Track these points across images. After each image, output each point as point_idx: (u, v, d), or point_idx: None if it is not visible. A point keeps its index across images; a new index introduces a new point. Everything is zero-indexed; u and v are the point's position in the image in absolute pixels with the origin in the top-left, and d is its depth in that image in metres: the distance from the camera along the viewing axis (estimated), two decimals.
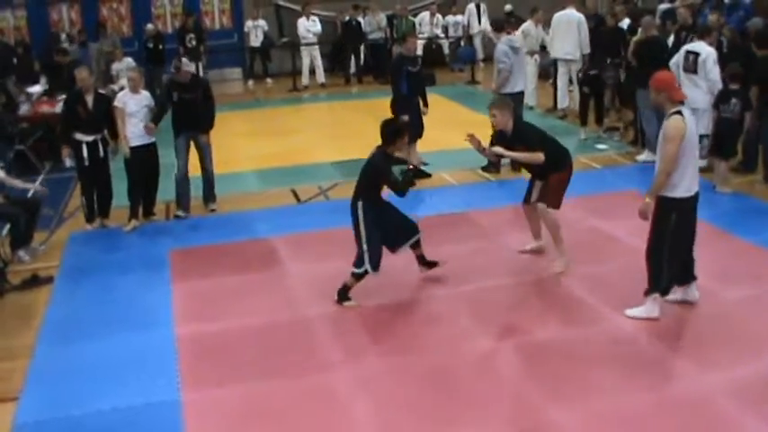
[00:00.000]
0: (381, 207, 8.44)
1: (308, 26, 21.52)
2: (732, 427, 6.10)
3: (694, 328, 7.66)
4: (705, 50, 11.91)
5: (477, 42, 23.35)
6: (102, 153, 10.74)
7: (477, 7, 23.53)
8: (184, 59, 11.35)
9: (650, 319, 7.58)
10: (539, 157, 8.64)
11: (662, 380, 6.73)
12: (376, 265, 8.17)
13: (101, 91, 11.45)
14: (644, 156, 13.12)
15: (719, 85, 11.71)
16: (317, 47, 21.60)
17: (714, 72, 11.74)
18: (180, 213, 11.26)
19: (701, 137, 11.92)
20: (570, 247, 8.91)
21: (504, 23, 13.54)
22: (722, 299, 8.11)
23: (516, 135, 8.80)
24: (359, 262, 8.21)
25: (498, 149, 8.83)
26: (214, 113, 11.30)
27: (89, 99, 10.62)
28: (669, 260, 7.50)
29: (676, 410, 6.26)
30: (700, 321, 7.77)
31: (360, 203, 8.28)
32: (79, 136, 10.61)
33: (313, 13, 21.75)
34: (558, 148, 8.99)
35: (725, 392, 6.48)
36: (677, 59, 12.33)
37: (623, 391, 6.57)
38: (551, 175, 8.82)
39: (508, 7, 22.21)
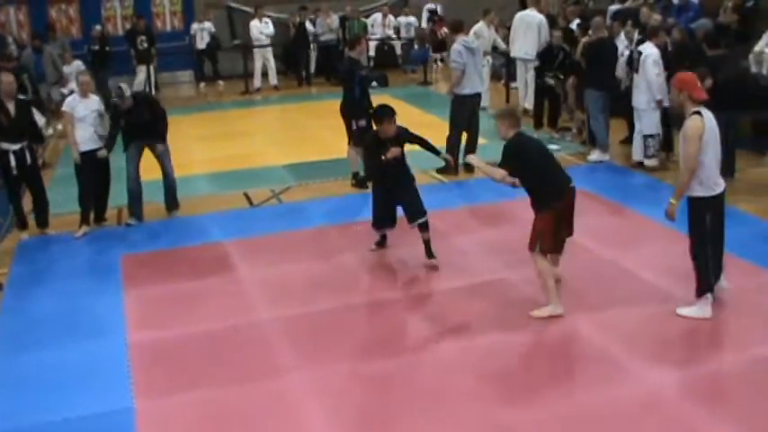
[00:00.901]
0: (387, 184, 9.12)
1: (261, 28, 21.42)
2: (684, 424, 6.16)
3: (648, 328, 7.72)
4: (647, 50, 12.07)
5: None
6: (29, 160, 10.51)
7: (435, 8, 23.63)
8: (123, 86, 10.94)
9: (703, 319, 7.61)
10: (495, 173, 7.82)
11: (615, 379, 6.76)
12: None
13: (21, 97, 11.25)
14: (594, 156, 13.24)
15: (656, 86, 11.85)
16: (269, 49, 21.51)
17: (651, 72, 11.89)
18: (131, 221, 11.12)
19: (648, 137, 12.14)
20: (522, 249, 8.95)
21: (462, 24, 13.49)
22: (676, 298, 8.20)
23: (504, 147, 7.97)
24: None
25: (471, 158, 8.84)
26: (166, 126, 11.14)
27: (10, 106, 10.33)
28: (713, 258, 7.60)
29: (629, 409, 6.31)
30: (651, 320, 7.84)
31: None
32: (5, 145, 10.31)
33: (266, 15, 21.66)
34: (545, 177, 7.82)
35: (678, 390, 6.56)
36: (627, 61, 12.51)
37: (576, 392, 6.64)
38: (537, 213, 7.85)
39: (430, 6, 22.32)
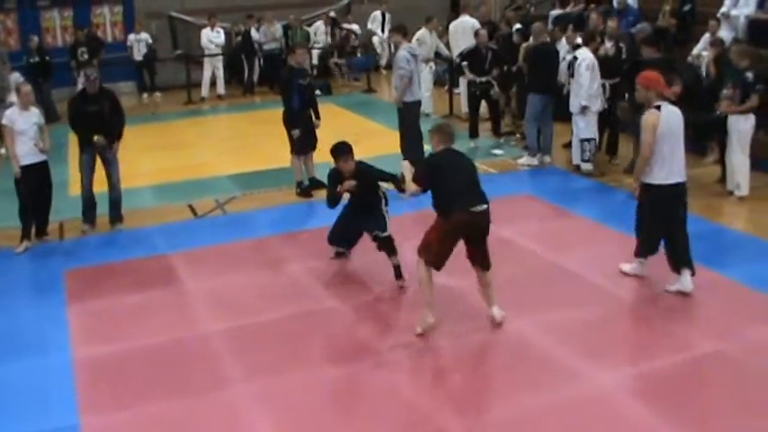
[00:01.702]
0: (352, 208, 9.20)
1: (212, 37, 21.30)
2: (630, 423, 6.24)
3: (592, 329, 7.80)
4: (581, 55, 12.23)
5: (383, 49, 23.51)
6: None
7: (383, 15, 23.69)
8: (93, 70, 11.09)
9: (637, 276, 8.62)
10: (409, 185, 8.37)
11: (561, 381, 6.83)
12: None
13: None
14: (524, 159, 13.38)
15: (585, 91, 12.01)
16: (220, 58, 21.40)
17: (584, 77, 12.07)
18: (85, 228, 11.06)
19: (585, 141, 12.30)
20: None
21: (406, 30, 13.50)
22: (619, 298, 8.31)
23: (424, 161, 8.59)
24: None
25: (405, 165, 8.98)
26: (123, 123, 11.15)
27: None
28: (649, 234, 8.46)
29: (576, 410, 6.39)
30: (595, 322, 7.93)
31: None
32: None
33: (218, 25, 21.52)
34: (450, 196, 7.61)
35: (624, 390, 6.65)
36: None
37: (523, 395, 6.68)
38: (435, 221, 7.81)
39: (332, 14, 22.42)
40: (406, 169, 8.67)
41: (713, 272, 8.76)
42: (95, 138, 10.61)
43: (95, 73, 11.11)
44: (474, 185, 7.72)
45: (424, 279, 7.68)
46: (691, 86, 11.21)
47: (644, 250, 8.63)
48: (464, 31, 16.28)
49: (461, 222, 7.55)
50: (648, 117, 8.10)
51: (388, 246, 8.85)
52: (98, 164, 11.02)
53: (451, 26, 16.91)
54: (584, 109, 12.21)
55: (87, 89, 10.95)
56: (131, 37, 21.79)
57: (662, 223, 8.38)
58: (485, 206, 7.59)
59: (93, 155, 10.89)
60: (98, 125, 10.74)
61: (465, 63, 14.75)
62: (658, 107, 8.10)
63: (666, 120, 8.06)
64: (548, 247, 9.65)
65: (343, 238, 9.38)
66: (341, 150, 8.97)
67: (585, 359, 7.15)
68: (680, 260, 8.36)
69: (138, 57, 21.81)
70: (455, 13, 19.78)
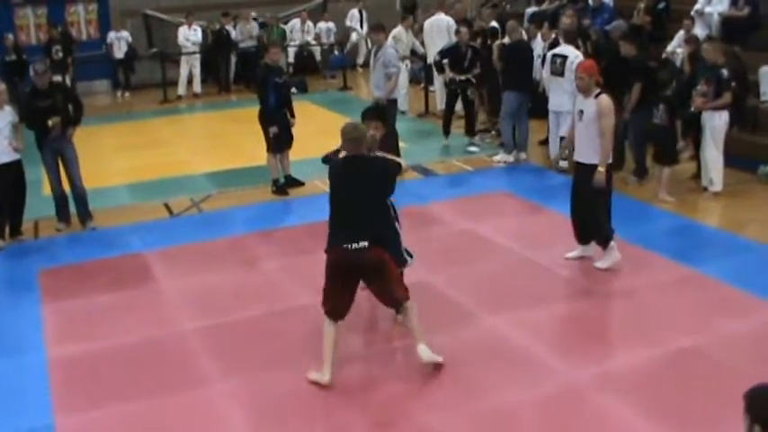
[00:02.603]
0: None
1: (188, 35, 21.25)
2: (606, 419, 6.27)
3: (567, 325, 7.84)
4: (572, 53, 12.23)
5: (359, 46, 23.55)
6: None
7: (360, 13, 23.71)
8: (43, 64, 11.06)
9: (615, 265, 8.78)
10: None
11: (536, 377, 6.84)
12: None
13: None
14: (499, 156, 13.42)
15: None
16: (196, 56, 21.36)
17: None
18: (60, 227, 11.04)
19: (564, 138, 12.31)
20: (442, 250, 9.03)
21: (384, 28, 13.48)
22: (594, 293, 8.36)
23: None
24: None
25: None
26: (81, 112, 11.10)
27: None
28: (603, 216, 8.84)
29: (551, 406, 6.41)
30: (570, 317, 7.97)
31: None
32: None
33: (195, 23, 21.46)
34: (332, 220, 6.81)
35: (599, 385, 6.68)
36: (546, 63, 12.66)
37: (498, 391, 6.69)
38: None
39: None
40: None
41: (687, 267, 8.82)
42: (49, 121, 10.53)
43: (44, 66, 11.06)
44: (360, 214, 6.59)
45: (324, 331, 6.86)
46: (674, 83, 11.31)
47: (605, 234, 8.82)
48: (439, 29, 16.31)
49: (334, 263, 6.67)
50: (609, 102, 8.59)
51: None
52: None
53: (426, 24, 16.90)
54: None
55: (37, 84, 10.86)
56: (111, 35, 21.73)
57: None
58: (364, 243, 6.49)
59: (54, 153, 10.84)
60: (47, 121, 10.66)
61: (446, 61, 14.73)
62: (599, 93, 8.59)
63: None
64: (524, 244, 9.68)
65: None
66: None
67: (561, 355, 7.18)
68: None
69: (119, 55, 21.74)
70: (411, 14, 19.87)
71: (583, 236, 9.04)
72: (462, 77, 14.39)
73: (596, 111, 8.52)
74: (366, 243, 6.49)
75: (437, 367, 6.93)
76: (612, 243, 8.80)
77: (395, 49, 12.79)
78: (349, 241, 6.50)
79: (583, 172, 8.74)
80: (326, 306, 6.78)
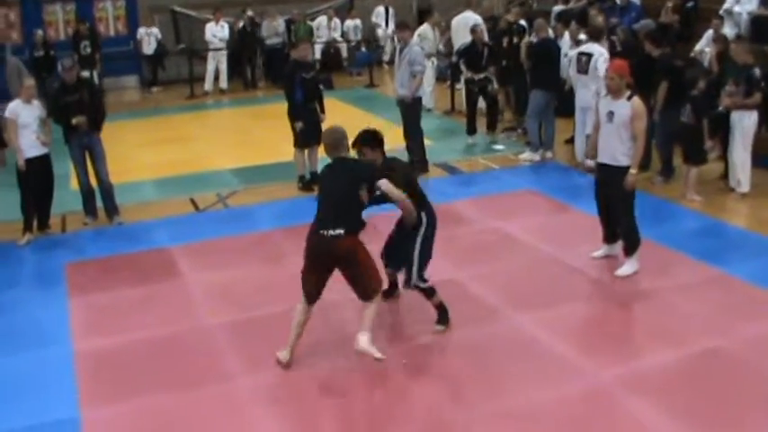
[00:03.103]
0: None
1: (216, 31, 21.32)
2: (630, 419, 6.24)
3: (592, 324, 7.82)
4: (597, 51, 12.17)
5: (387, 45, 23.55)
6: None
7: (386, 10, 23.71)
8: (70, 59, 11.19)
9: (636, 272, 8.66)
10: None
11: (560, 376, 6.83)
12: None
13: None
14: (525, 155, 13.39)
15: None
16: (223, 52, 21.42)
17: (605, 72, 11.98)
18: (87, 221, 11.13)
19: (589, 137, 12.25)
20: (468, 248, 9.02)
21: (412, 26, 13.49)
22: (619, 293, 8.32)
23: None
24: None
25: None
26: (104, 113, 11.17)
27: None
28: (633, 217, 8.70)
29: (575, 405, 6.39)
30: (595, 317, 7.94)
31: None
32: None
33: (223, 18, 21.53)
34: (318, 209, 7.19)
35: (623, 385, 6.64)
36: (572, 62, 12.61)
37: (522, 389, 6.67)
38: None
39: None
40: None
41: (714, 268, 8.76)
42: (74, 120, 10.61)
43: (71, 62, 11.17)
44: (337, 206, 6.93)
45: (296, 309, 7.22)
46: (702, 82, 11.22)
47: (635, 241, 8.69)
48: (465, 26, 16.25)
49: (309, 246, 7.01)
50: (642, 105, 8.49)
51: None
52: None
53: (454, 21, 16.90)
54: None
55: (65, 79, 10.95)
56: (141, 31, 21.85)
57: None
58: (339, 231, 6.81)
59: (81, 148, 10.92)
60: (80, 114, 10.74)
61: (462, 60, 14.72)
62: (631, 95, 8.45)
63: None
64: (550, 243, 9.65)
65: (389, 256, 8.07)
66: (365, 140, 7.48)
67: (586, 354, 7.16)
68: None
69: (148, 51, 21.86)
70: (420, 22, 19.76)
71: (610, 236, 8.97)
72: (480, 76, 14.41)
73: (630, 113, 8.37)
74: (342, 231, 6.83)
75: (464, 363, 6.94)
76: (637, 253, 8.69)
77: (421, 47, 12.76)
78: (327, 228, 6.86)
79: (610, 174, 8.57)
80: (304, 288, 7.13)
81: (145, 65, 22.53)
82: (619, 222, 8.78)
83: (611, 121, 8.50)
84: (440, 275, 7.81)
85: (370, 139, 7.41)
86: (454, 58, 14.91)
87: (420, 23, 18.41)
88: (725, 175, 11.52)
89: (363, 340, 6.92)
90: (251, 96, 21.29)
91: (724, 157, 11.57)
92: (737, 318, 7.68)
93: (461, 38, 16.27)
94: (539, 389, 6.64)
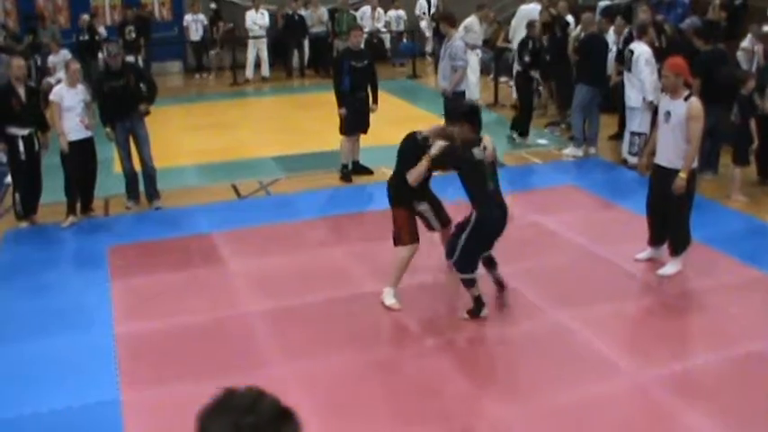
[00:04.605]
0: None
1: (256, 19, 21.37)
2: (671, 419, 6.18)
3: (634, 323, 7.75)
4: (638, 49, 12.06)
5: (429, 36, 23.48)
6: (36, 147, 10.54)
7: (428, 1, 23.63)
8: (116, 45, 11.31)
9: (680, 272, 8.53)
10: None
11: (600, 374, 6.78)
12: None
13: (30, 84, 11.27)
14: (569, 150, 13.29)
15: (648, 85, 11.83)
16: (264, 40, 21.46)
17: (645, 72, 11.87)
18: (129, 205, 11.23)
19: (635, 134, 12.17)
20: (511, 243, 8.93)
21: (455, 19, 13.38)
22: (663, 292, 8.25)
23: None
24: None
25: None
26: (155, 90, 11.30)
27: (21, 92, 10.37)
28: (686, 222, 8.56)
29: (617, 404, 6.35)
30: (637, 316, 7.88)
31: None
32: (14, 130, 10.35)
33: (262, 6, 21.57)
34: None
35: (664, 386, 6.58)
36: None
37: (562, 387, 6.63)
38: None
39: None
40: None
41: (759, 270, 8.64)
42: (141, 106, 10.86)
43: (116, 49, 11.28)
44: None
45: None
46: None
47: (685, 242, 8.57)
48: (529, 18, 16.01)
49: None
50: (699, 106, 8.19)
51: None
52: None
53: (519, 10, 16.81)
54: (649, 104, 11.98)
55: (110, 65, 11.10)
56: (188, 17, 21.96)
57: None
58: None
59: (126, 132, 11.00)
60: (124, 99, 10.84)
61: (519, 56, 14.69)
62: (689, 95, 8.22)
63: None
64: (592, 239, 9.57)
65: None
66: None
67: (626, 353, 7.10)
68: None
69: (195, 37, 21.99)
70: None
71: (657, 239, 8.80)
72: (535, 74, 14.41)
73: (686, 113, 8.14)
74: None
75: (503, 359, 6.91)
76: (684, 254, 8.58)
77: (464, 41, 12.67)
78: None
79: (665, 176, 8.35)
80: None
81: (191, 51, 22.64)
82: (670, 223, 8.59)
83: (667, 122, 8.30)
84: (480, 269, 7.77)
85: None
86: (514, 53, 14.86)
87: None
88: (763, 177, 11.35)
89: (388, 295, 7.99)
90: (293, 84, 21.34)
91: (759, 158, 11.38)
92: None
93: (521, 30, 16.10)
94: (579, 387, 6.59)
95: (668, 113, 8.28)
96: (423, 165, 7.64)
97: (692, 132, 8.14)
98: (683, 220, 8.48)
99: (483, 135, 7.61)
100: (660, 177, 8.48)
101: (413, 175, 7.70)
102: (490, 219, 7.55)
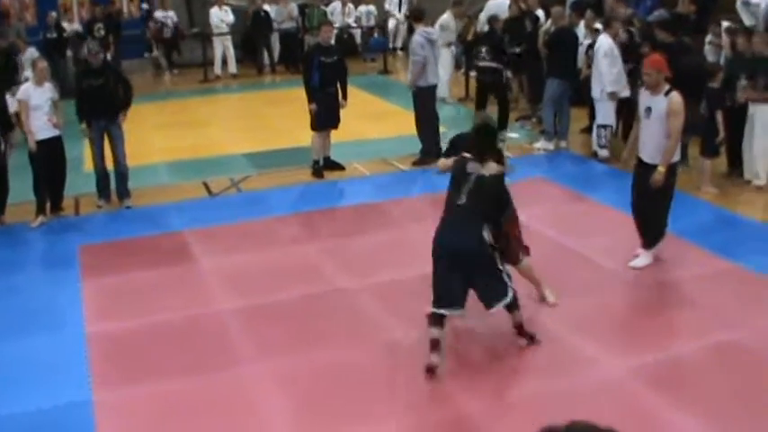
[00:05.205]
0: None
1: (221, 16, 21.27)
2: (642, 410, 6.21)
3: (605, 315, 7.77)
4: (600, 42, 12.18)
5: (398, 30, 23.47)
6: (2, 147, 10.43)
7: None
8: (96, 43, 11.26)
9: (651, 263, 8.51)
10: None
11: (573, 367, 6.81)
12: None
13: None
14: (540, 143, 13.34)
15: (606, 78, 11.97)
16: (229, 37, 21.38)
17: (603, 64, 12.00)
18: (100, 203, 11.15)
19: (601, 127, 12.27)
20: None
21: (422, 14, 13.36)
22: (634, 283, 8.29)
23: None
24: (503, 291, 6.85)
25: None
26: (131, 95, 11.23)
27: None
28: (664, 218, 8.57)
29: (590, 396, 6.35)
30: (609, 309, 7.90)
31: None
32: None
33: (225, 3, 21.49)
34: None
35: (636, 377, 6.62)
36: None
37: (536, 380, 6.68)
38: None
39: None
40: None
41: (728, 261, 8.70)
42: (121, 114, 10.87)
43: (97, 47, 11.27)
44: None
45: (531, 269, 7.73)
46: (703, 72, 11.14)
47: (658, 233, 8.60)
48: (500, 12, 16.00)
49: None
50: (679, 100, 8.15)
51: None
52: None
53: (487, 5, 16.79)
54: (610, 95, 12.10)
55: (90, 62, 11.04)
56: (158, 14, 21.81)
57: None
58: None
59: (100, 130, 10.93)
60: (102, 98, 10.77)
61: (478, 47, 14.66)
62: (670, 90, 8.19)
63: None
64: (563, 232, 9.61)
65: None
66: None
67: (599, 345, 7.12)
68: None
69: (165, 34, 21.84)
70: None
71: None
72: (494, 65, 14.21)
73: (666, 108, 8.13)
74: None
75: (477, 353, 6.91)
76: (656, 248, 8.62)
77: (425, 36, 12.59)
78: None
79: (648, 172, 8.31)
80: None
81: (160, 48, 22.50)
82: (647, 215, 8.57)
83: (648, 117, 8.29)
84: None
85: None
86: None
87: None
88: (732, 168, 11.44)
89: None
90: (263, 81, 21.26)
91: (730, 149, 11.47)
92: (752, 311, 7.64)
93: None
94: (553, 380, 6.62)
95: (649, 109, 8.27)
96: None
97: (673, 127, 8.14)
98: (660, 214, 8.50)
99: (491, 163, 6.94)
100: (643, 173, 8.45)
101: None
102: (435, 238, 6.86)
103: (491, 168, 6.86)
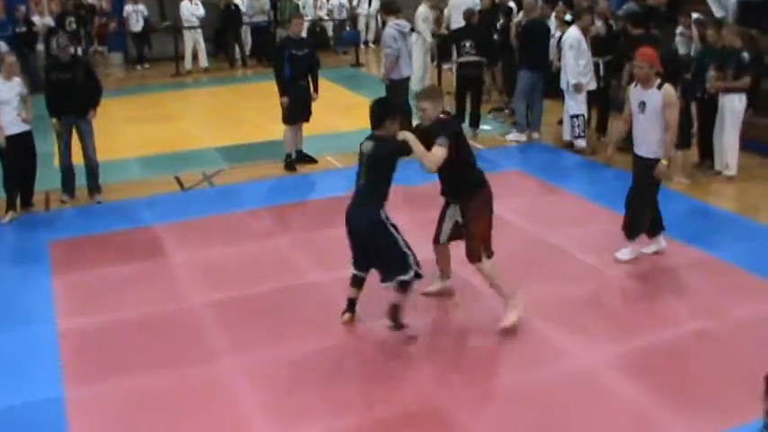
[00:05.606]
0: None
1: (192, 9, 21.20)
2: (617, 398, 6.24)
3: (579, 306, 7.79)
4: (567, 34, 12.25)
5: (362, 24, 23.45)
6: None
7: None
8: (66, 38, 11.17)
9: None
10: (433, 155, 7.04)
11: (547, 358, 6.82)
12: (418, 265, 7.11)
13: None
14: (512, 135, 13.39)
15: (570, 69, 12.16)
16: (200, 30, 21.30)
17: (568, 56, 12.11)
18: (64, 199, 11.04)
19: (574, 117, 12.34)
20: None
21: (393, 6, 13.31)
22: (608, 276, 8.31)
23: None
24: (402, 268, 7.03)
25: (405, 134, 7.13)
26: (100, 91, 11.12)
27: None
28: (649, 209, 8.54)
29: (563, 387, 6.37)
30: (583, 299, 7.92)
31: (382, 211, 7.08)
32: None
33: None
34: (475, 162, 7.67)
35: (609, 366, 6.65)
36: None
37: (509, 371, 6.70)
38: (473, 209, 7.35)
39: None
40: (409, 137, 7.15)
41: (701, 251, 8.76)
42: (91, 111, 10.75)
43: (66, 41, 11.13)
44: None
45: (492, 274, 7.30)
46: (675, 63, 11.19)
47: (642, 226, 8.59)
48: (465, 5, 16.01)
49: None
50: (672, 92, 8.15)
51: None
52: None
53: (450, 1, 16.79)
54: (575, 87, 12.18)
55: (60, 57, 10.95)
56: (128, 8, 21.73)
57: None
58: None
59: (69, 124, 10.84)
60: (71, 92, 10.68)
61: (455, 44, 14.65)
62: (661, 83, 8.15)
63: None
64: (536, 224, 9.64)
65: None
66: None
67: (573, 336, 7.14)
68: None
69: (135, 28, 21.76)
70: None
71: (651, 229, 8.70)
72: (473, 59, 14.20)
73: (662, 101, 8.08)
74: None
75: (449, 345, 6.91)
76: (639, 238, 8.60)
77: (397, 29, 12.53)
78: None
79: (646, 166, 8.28)
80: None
81: (131, 42, 22.38)
82: (633, 205, 8.53)
83: (643, 112, 8.23)
84: (422, 255, 7.73)
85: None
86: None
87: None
88: (703, 159, 11.51)
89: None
90: (235, 75, 21.18)
91: (701, 140, 11.54)
92: (725, 300, 7.69)
93: (458, 18, 16.07)
94: (526, 370, 6.63)
95: (643, 104, 8.20)
96: None
97: (671, 119, 8.11)
98: (646, 206, 8.48)
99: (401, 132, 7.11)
100: (641, 168, 8.39)
101: None
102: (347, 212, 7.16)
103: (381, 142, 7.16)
